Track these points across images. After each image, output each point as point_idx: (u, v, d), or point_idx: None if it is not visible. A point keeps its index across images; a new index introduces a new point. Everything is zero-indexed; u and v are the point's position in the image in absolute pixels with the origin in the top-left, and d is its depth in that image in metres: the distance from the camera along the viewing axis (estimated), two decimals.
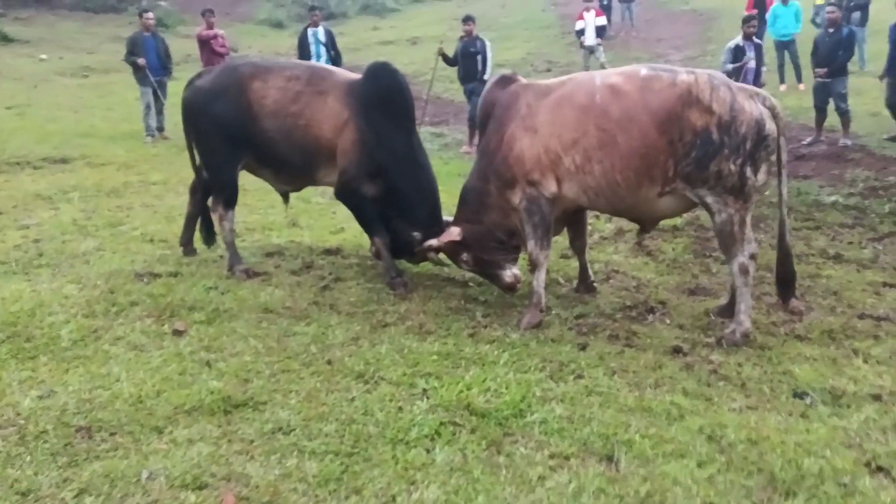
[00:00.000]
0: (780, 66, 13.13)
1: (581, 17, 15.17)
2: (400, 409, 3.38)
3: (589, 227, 6.61)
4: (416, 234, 4.95)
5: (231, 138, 4.92)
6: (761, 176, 4.13)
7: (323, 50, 10.82)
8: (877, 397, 3.61)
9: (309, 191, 7.19)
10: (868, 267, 5.65)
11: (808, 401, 3.58)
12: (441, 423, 3.24)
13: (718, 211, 4.13)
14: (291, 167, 5.06)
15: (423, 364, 3.83)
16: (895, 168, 8.46)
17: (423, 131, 11.59)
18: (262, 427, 3.17)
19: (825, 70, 9.63)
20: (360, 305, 4.63)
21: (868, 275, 5.48)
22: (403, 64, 17.41)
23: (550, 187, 4.37)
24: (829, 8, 10.26)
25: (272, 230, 6.21)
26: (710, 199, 4.12)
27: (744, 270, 4.19)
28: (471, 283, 5.11)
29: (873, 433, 3.29)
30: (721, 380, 3.80)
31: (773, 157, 4.15)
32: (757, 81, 9.25)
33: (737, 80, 9.39)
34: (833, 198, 7.47)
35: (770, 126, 4.09)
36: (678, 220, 6.75)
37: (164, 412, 3.24)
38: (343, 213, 6.79)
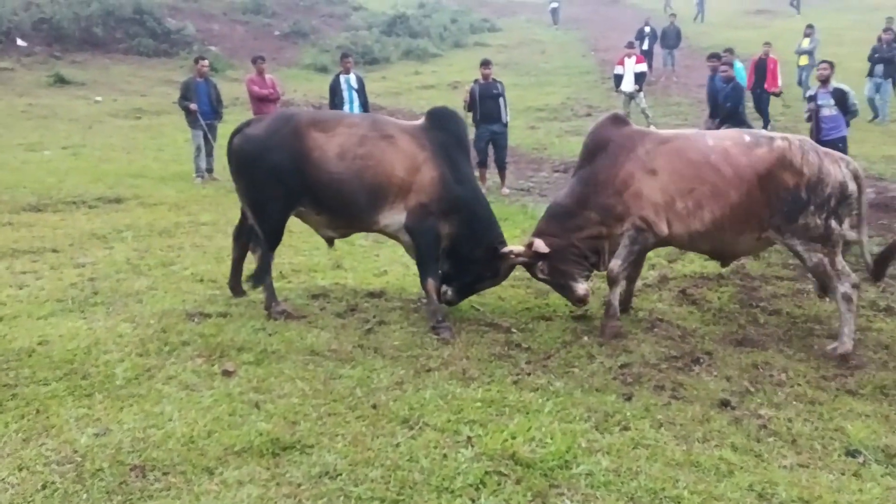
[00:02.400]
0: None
1: (621, 63, 15.31)
2: (444, 456, 3.39)
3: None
4: (505, 249, 5.22)
5: (287, 185, 5.01)
6: (845, 227, 4.92)
7: (355, 95, 11.06)
8: None
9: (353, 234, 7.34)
10: None
11: (860, 459, 3.50)
12: (486, 473, 3.24)
13: (809, 257, 4.86)
14: (354, 209, 5.16)
15: (466, 411, 3.84)
16: None
17: None
18: (310, 470, 3.21)
19: (719, 121, 10.20)
20: (404, 349, 4.68)
21: None
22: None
23: (661, 226, 4.97)
24: (721, 67, 10.90)
25: (317, 272, 6.32)
26: (799, 247, 4.88)
27: (847, 299, 4.82)
28: (514, 330, 5.12)
29: None
30: (771, 435, 3.74)
31: (855, 212, 4.98)
32: (836, 133, 9.06)
33: (812, 131, 9.40)
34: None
35: (852, 187, 4.85)
36: (725, 269, 6.70)
37: (215, 453, 3.31)
38: (386, 255, 6.92)
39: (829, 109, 8.85)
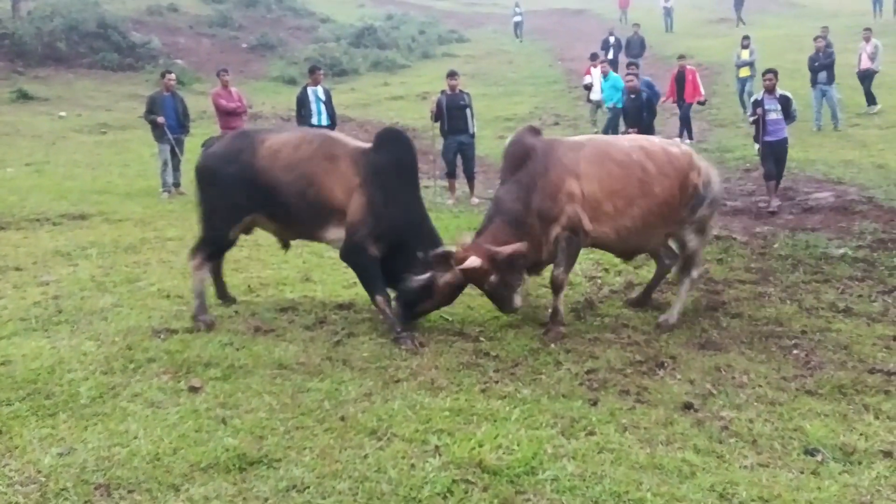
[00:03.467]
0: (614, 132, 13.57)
1: (588, 73, 15.55)
2: (412, 466, 3.41)
3: (598, 281, 6.77)
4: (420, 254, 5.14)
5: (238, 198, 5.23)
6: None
7: (322, 108, 11.07)
8: (888, 454, 3.62)
9: (321, 246, 7.34)
10: (878, 320, 5.68)
11: (819, 458, 3.60)
12: (453, 481, 3.27)
13: (691, 242, 5.56)
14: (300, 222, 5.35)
15: (434, 420, 3.86)
16: None
17: (435, 186, 11.84)
18: (277, 485, 3.21)
19: (636, 129, 10.93)
20: (373, 361, 4.69)
21: (878, 328, 5.51)
22: (413, 118, 17.85)
23: (587, 226, 5.19)
24: (627, 76, 11.81)
25: (286, 285, 6.31)
26: (689, 236, 5.53)
27: (693, 282, 5.75)
28: (482, 339, 5.16)
29: (884, 490, 3.30)
30: (732, 436, 3.82)
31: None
32: (778, 135, 9.53)
33: (757, 134, 9.76)
34: (842, 250, 7.52)
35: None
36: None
37: (181, 470, 3.29)
38: None
39: (774, 114, 9.53)
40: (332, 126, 11.08)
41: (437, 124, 11.02)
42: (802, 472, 3.46)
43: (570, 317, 5.71)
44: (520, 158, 5.29)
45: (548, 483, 3.28)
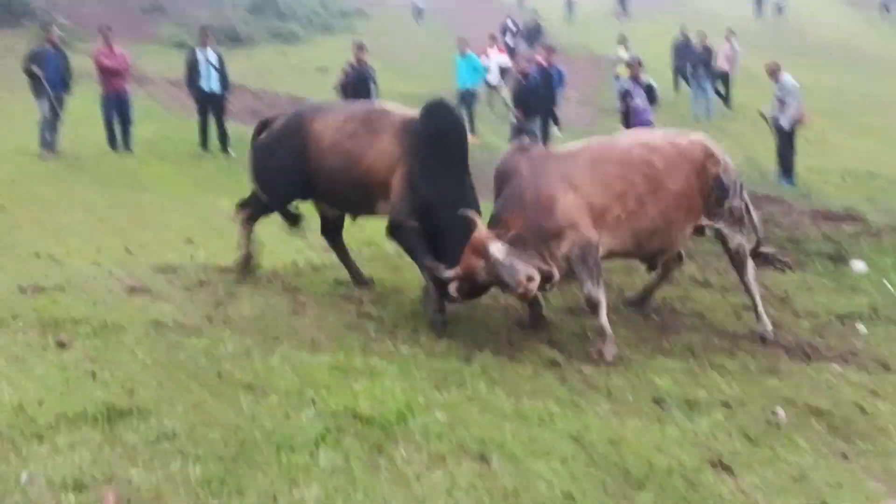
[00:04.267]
0: (470, 118, 13.49)
1: (485, 55, 15.74)
2: (287, 416, 3.48)
3: None
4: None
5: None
6: None
7: (213, 72, 10.75)
8: (726, 404, 4.02)
9: (206, 208, 7.23)
10: (730, 291, 6.19)
11: (665, 407, 3.94)
12: (327, 429, 3.37)
13: (731, 238, 5.13)
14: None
15: (313, 376, 3.94)
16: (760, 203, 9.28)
17: None
18: (147, 434, 3.20)
19: (521, 113, 11.22)
20: (254, 321, 4.71)
21: (730, 298, 6.01)
22: (310, 91, 17.58)
23: (593, 236, 4.78)
24: (521, 59, 11.97)
25: (166, 247, 6.17)
26: (726, 231, 5.12)
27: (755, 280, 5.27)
28: (365, 301, 5.27)
29: (719, 435, 3.67)
30: (590, 388, 4.13)
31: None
32: (644, 120, 10.05)
33: (626, 121, 10.32)
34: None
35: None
36: None
37: (46, 420, 3.21)
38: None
39: (640, 101, 10.18)
40: (222, 92, 10.79)
41: (340, 96, 10.90)
42: (649, 419, 3.79)
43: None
44: (506, 175, 4.97)
45: (417, 430, 3.44)
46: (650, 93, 10.25)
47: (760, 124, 11.76)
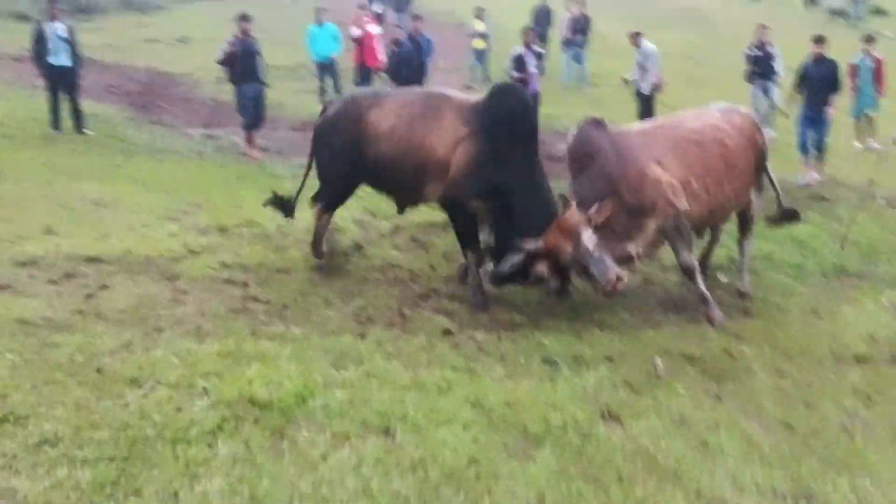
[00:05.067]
0: (322, 89, 13.21)
1: (356, 24, 15.39)
2: (179, 409, 3.34)
3: (367, 225, 6.96)
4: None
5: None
6: None
7: (63, 46, 9.89)
8: (609, 358, 4.26)
9: (64, 194, 6.76)
10: None
11: (554, 366, 4.12)
12: (223, 419, 3.28)
13: (754, 201, 5.57)
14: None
15: (202, 365, 3.79)
16: None
17: (197, 134, 11.24)
18: (27, 441, 2.98)
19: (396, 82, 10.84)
20: (131, 312, 4.46)
21: None
22: (170, 63, 16.64)
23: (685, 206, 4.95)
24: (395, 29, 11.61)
25: (24, 238, 5.68)
26: (753, 197, 5.56)
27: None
28: (250, 284, 5.11)
29: (606, 388, 3.89)
30: (484, 354, 4.25)
31: None
32: (535, 87, 10.21)
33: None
34: None
35: None
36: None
37: None
38: (110, 218, 6.42)
39: (533, 67, 10.25)
40: (74, 67, 9.99)
41: (225, 70, 10.25)
42: (541, 379, 3.96)
43: (339, 259, 5.85)
44: (588, 155, 4.95)
45: (318, 410, 3.41)
46: (540, 60, 10.40)
47: (621, 90, 12.31)
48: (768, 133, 11.21)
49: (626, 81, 10.70)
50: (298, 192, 5.83)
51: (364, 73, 13.19)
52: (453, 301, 5.11)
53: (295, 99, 14.42)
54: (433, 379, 3.81)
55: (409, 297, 5.10)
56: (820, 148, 8.82)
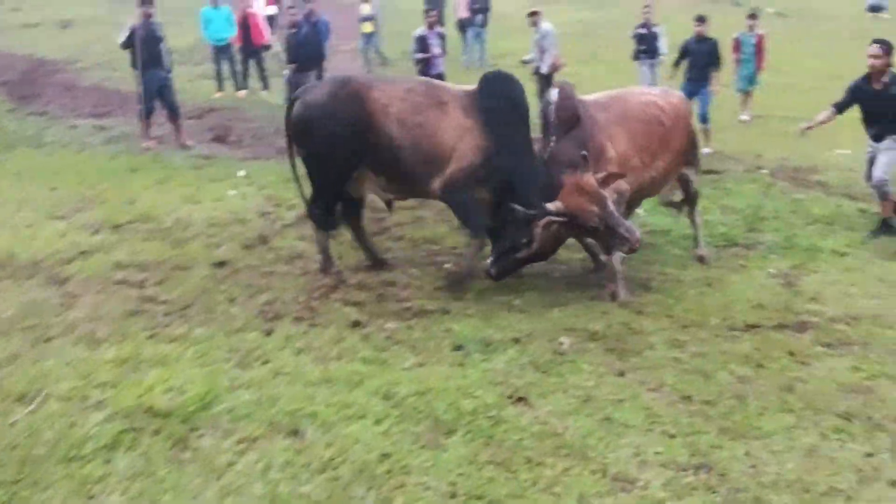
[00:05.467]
0: (219, 73, 12.75)
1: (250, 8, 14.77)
2: (72, 424, 3.19)
3: (272, 216, 6.78)
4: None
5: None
6: None
7: None
8: (517, 340, 4.31)
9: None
10: None
11: (464, 351, 4.15)
12: (120, 432, 3.14)
13: (693, 180, 5.86)
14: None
15: (96, 374, 3.63)
16: None
17: (84, 124, 10.62)
18: None
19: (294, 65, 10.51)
20: (17, 321, 4.20)
21: None
22: (52, 50, 15.63)
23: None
24: (290, 10, 11.22)
25: None
26: (693, 176, 5.85)
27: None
28: (147, 283, 4.89)
29: (514, 370, 3.94)
30: (395, 344, 4.22)
31: None
32: (439, 69, 10.14)
33: (423, 69, 10.32)
34: None
35: None
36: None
37: None
38: None
39: (437, 49, 10.20)
40: None
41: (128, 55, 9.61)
42: (452, 365, 3.97)
43: (243, 252, 5.68)
44: (573, 118, 5.08)
45: (223, 414, 3.32)
46: (442, 41, 10.29)
47: (520, 70, 12.47)
48: None
49: (523, 63, 10.83)
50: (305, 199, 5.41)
51: (251, 53, 12.83)
52: (362, 291, 5.05)
53: (191, 85, 13.83)
54: (343, 373, 3.77)
55: (317, 289, 5.00)
56: (704, 120, 9.26)
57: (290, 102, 5.29)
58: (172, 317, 4.43)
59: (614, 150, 5.19)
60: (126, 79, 13.79)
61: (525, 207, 4.71)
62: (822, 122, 6.71)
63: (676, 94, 6.04)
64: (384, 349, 4.14)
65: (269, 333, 4.25)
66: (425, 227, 6.59)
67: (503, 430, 3.37)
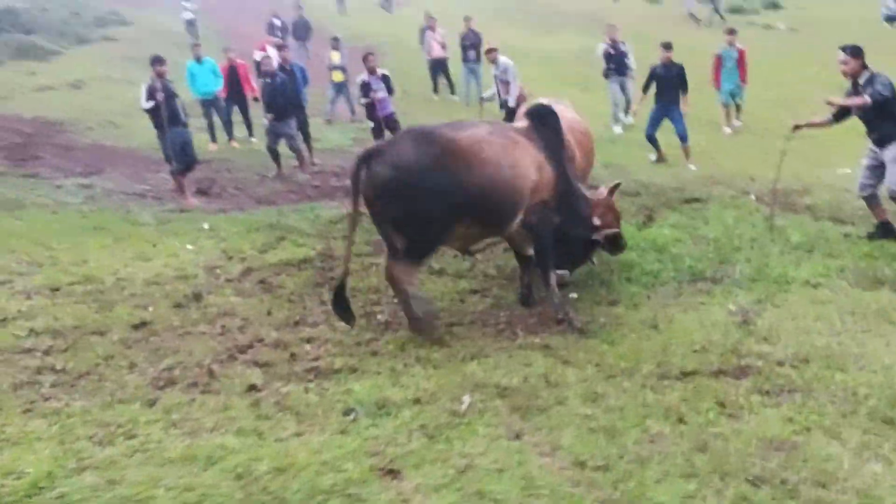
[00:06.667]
0: (210, 126, 12.74)
1: (262, 49, 14.66)
2: None
3: (217, 271, 6.59)
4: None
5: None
6: None
7: None
8: (417, 401, 3.97)
9: None
10: (463, 277, 6.29)
11: (353, 416, 3.82)
12: None
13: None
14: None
15: None
16: None
17: (69, 183, 10.72)
18: None
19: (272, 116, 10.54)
20: None
21: (462, 283, 6.11)
22: (60, 110, 16.02)
23: None
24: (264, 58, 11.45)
25: None
26: None
27: None
28: (52, 351, 4.70)
29: (400, 437, 3.60)
30: (282, 410, 3.92)
31: None
32: (388, 110, 10.08)
33: (372, 114, 10.27)
34: None
35: None
36: (309, 253, 6.96)
37: None
38: None
39: (382, 92, 10.32)
40: None
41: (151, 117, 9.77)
42: (334, 434, 3.65)
43: (169, 312, 5.48)
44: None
45: (53, 501, 3.06)
46: (387, 83, 10.33)
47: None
48: (629, 121, 11.51)
49: (482, 100, 10.96)
50: (344, 278, 5.13)
51: (237, 101, 12.83)
52: (276, 349, 4.79)
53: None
54: (207, 449, 3.47)
55: (226, 351, 4.75)
56: (683, 138, 9.54)
57: (358, 167, 4.90)
58: (58, 388, 4.21)
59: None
60: (125, 135, 14.13)
61: (579, 229, 5.49)
62: (816, 125, 6.97)
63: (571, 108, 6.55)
64: (268, 417, 3.84)
65: (151, 404, 4.00)
66: (374, 275, 6.30)
67: None
